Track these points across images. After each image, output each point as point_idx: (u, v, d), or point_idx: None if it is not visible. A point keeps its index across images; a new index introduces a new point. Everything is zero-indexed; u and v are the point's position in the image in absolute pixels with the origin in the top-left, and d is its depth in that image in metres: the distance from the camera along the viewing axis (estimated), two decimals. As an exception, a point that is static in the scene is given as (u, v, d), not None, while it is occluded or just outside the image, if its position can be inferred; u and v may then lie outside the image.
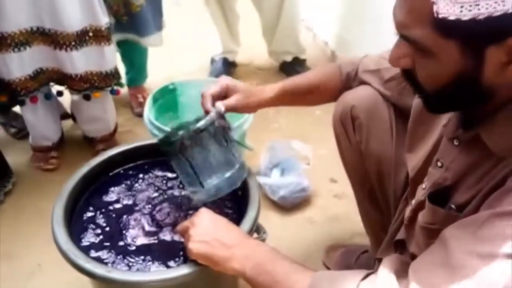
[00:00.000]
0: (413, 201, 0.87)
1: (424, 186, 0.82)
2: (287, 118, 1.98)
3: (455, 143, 0.73)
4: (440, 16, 0.56)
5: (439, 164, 0.77)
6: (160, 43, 1.83)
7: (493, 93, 0.62)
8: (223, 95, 0.97)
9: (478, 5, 0.54)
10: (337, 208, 1.56)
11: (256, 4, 2.13)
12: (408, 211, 0.89)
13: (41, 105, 1.59)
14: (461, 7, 0.55)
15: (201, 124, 0.86)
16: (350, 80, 1.05)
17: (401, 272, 0.64)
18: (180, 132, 0.86)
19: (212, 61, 2.28)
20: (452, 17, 0.55)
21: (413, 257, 0.89)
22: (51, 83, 1.56)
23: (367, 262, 1.29)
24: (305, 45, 2.26)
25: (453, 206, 0.72)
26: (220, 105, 0.94)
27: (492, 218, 0.57)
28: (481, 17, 0.54)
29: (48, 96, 1.57)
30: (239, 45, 2.28)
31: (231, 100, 0.96)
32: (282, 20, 2.10)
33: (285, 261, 0.72)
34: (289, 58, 2.23)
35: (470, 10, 0.54)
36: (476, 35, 0.56)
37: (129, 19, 1.58)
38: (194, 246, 0.77)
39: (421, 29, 0.59)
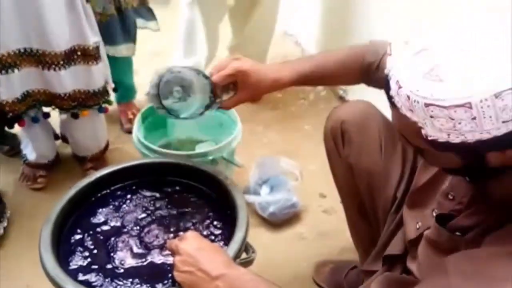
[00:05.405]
0: (419, 224, 0.87)
1: (434, 213, 0.82)
2: (276, 133, 1.99)
3: (467, 179, 0.74)
4: (429, 138, 0.59)
5: (450, 197, 0.78)
6: (132, 53, 1.81)
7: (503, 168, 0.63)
8: (232, 82, 0.97)
9: (463, 135, 0.56)
10: (327, 223, 1.57)
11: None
12: (412, 232, 0.89)
13: (37, 124, 1.59)
14: (448, 135, 0.57)
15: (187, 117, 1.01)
16: (370, 72, 0.98)
17: None
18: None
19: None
20: (441, 140, 0.58)
21: (407, 273, 0.90)
22: (38, 105, 1.55)
23: (356, 278, 1.30)
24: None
25: (457, 232, 0.72)
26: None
27: (497, 257, 0.57)
28: (469, 141, 0.56)
29: (35, 119, 1.56)
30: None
31: (235, 101, 0.99)
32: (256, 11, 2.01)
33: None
34: None
35: (457, 137, 0.56)
36: (470, 150, 0.58)
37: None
38: (179, 275, 0.77)
39: (417, 141, 0.62)
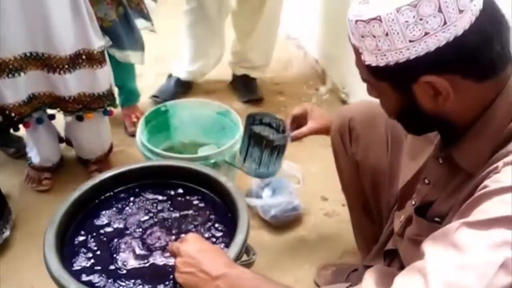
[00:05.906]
0: (402, 217, 0.90)
1: (413, 202, 0.86)
2: (278, 136, 2.00)
3: (440, 161, 0.78)
4: (366, 63, 0.68)
5: (426, 181, 0.82)
6: (141, 61, 1.79)
7: (446, 118, 0.70)
8: (303, 115, 1.23)
9: (385, 55, 0.66)
10: (328, 226, 1.58)
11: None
12: (397, 226, 0.92)
13: (42, 127, 1.61)
14: (376, 56, 0.66)
15: (275, 140, 1.24)
16: None
17: (384, 285, 0.67)
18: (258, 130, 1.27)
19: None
20: (373, 64, 0.67)
21: (402, 268, 0.92)
22: (44, 108, 1.57)
23: (357, 280, 1.31)
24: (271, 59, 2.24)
25: (436, 218, 0.77)
26: (294, 134, 1.24)
27: (462, 227, 0.60)
28: (391, 63, 0.65)
29: (40, 120, 1.58)
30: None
31: (304, 130, 1.22)
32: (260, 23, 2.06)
33: (271, 285, 0.74)
34: (243, 71, 2.19)
35: (382, 59, 0.66)
36: (395, 76, 0.68)
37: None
38: (181, 276, 0.79)
39: (364, 72, 0.72)
